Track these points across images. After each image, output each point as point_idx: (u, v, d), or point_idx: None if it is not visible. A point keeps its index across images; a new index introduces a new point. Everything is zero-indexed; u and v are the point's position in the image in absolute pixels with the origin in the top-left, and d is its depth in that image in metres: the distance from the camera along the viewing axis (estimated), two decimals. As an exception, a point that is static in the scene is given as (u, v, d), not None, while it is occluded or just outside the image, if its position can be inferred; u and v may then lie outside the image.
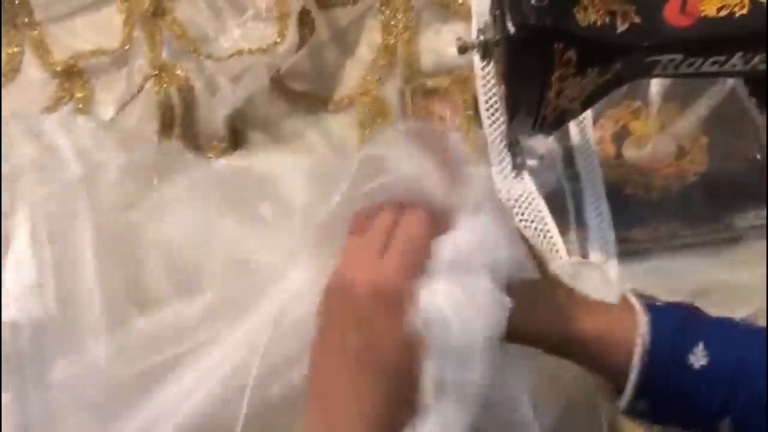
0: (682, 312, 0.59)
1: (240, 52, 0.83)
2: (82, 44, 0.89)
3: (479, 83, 0.82)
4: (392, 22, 0.86)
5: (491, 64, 0.77)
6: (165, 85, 0.82)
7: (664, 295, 0.75)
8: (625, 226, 0.78)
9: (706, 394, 0.55)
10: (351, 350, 0.51)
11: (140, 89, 0.83)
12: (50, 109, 0.86)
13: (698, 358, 0.56)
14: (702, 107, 0.81)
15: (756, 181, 0.78)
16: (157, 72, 0.82)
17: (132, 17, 0.88)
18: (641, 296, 0.59)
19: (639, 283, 0.76)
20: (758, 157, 0.79)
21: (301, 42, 0.83)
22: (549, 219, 0.77)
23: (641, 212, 0.79)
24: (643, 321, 0.56)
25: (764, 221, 0.77)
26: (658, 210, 0.79)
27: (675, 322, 0.57)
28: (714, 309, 0.74)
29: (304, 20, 0.83)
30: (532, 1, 0.64)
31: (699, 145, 0.81)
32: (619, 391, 0.57)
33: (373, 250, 0.51)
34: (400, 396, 0.50)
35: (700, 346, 0.56)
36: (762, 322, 0.72)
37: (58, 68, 0.87)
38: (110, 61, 0.88)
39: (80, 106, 0.86)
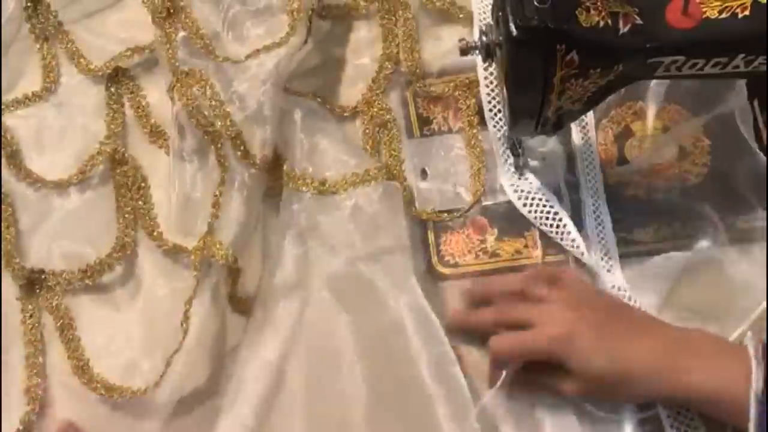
0: None
1: (256, 52, 0.81)
2: (115, 45, 0.87)
3: (482, 85, 0.82)
4: (392, 32, 0.85)
5: (493, 65, 0.77)
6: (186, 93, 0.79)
7: (666, 296, 0.75)
8: (627, 227, 0.78)
9: None
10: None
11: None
12: (109, 123, 0.84)
13: None
14: (704, 110, 0.81)
15: (757, 182, 0.78)
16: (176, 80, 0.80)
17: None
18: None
19: (641, 285, 0.76)
20: (759, 158, 0.79)
21: (305, 41, 0.82)
22: (564, 214, 0.77)
23: (643, 213, 0.79)
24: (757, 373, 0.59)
25: (765, 222, 0.77)
26: (659, 211, 0.79)
27: None
28: (713, 310, 0.74)
29: (310, 20, 0.82)
30: (535, 3, 0.64)
31: (701, 146, 0.81)
32: None
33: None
34: None
35: None
36: (762, 323, 0.73)
37: (100, 74, 0.86)
38: (149, 56, 0.86)
39: (137, 112, 0.85)
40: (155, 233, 0.79)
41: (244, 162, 0.77)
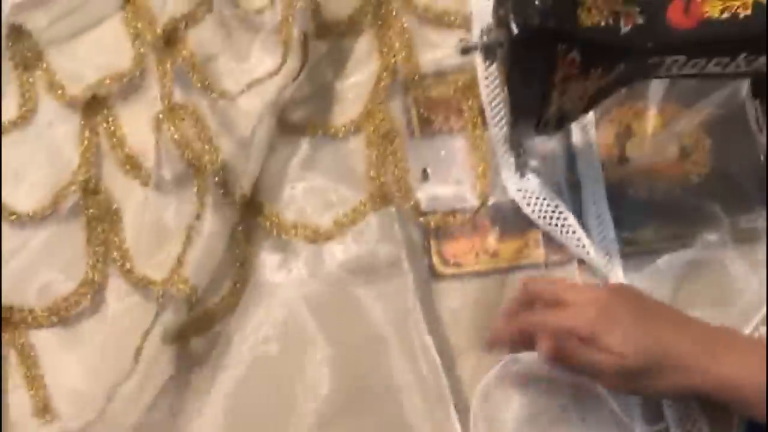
0: None
1: (249, 85, 0.81)
2: (93, 71, 0.85)
3: (482, 85, 0.81)
4: (388, 43, 0.84)
5: (494, 65, 0.77)
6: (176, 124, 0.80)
7: (668, 296, 0.75)
8: (628, 227, 0.78)
9: None
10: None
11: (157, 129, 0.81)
12: (83, 152, 0.82)
13: None
14: (705, 109, 0.81)
15: (758, 182, 0.78)
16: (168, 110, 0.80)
17: (140, 38, 0.86)
18: None
19: (642, 284, 0.76)
20: (761, 158, 0.79)
21: (301, 68, 0.81)
22: (568, 213, 0.77)
23: (644, 213, 0.79)
24: None
25: (765, 222, 0.77)
26: (660, 211, 0.79)
27: None
28: (715, 309, 0.74)
29: (305, 45, 0.81)
30: (536, 2, 0.64)
31: (702, 146, 0.81)
32: None
33: None
34: None
35: None
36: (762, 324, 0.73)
37: (77, 102, 0.84)
38: (127, 84, 0.85)
39: (112, 141, 0.83)
40: (126, 266, 0.79)
41: (225, 200, 0.76)
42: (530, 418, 0.72)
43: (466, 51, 0.73)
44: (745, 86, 0.80)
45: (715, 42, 0.67)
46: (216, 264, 0.76)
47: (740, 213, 0.78)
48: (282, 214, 0.80)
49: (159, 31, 0.83)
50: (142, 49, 0.85)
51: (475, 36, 0.82)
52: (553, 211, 0.77)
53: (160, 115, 0.80)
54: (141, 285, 0.78)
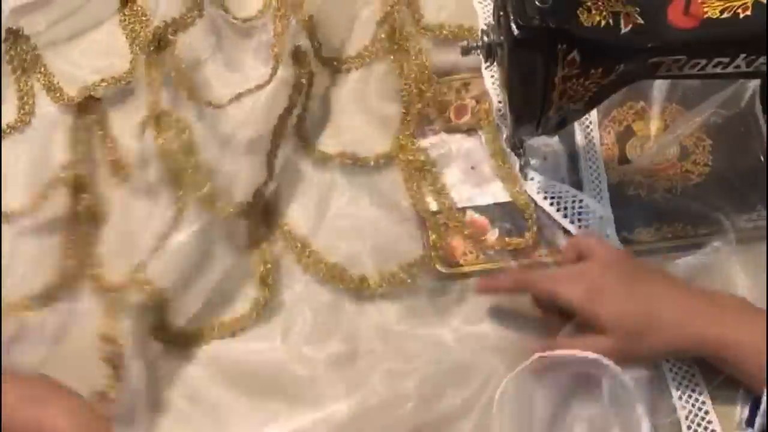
0: None
1: (238, 97, 0.81)
2: (90, 74, 0.86)
3: (489, 86, 0.81)
4: (406, 71, 0.84)
5: (495, 65, 0.77)
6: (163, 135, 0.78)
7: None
8: (629, 226, 0.78)
9: None
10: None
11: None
12: (73, 150, 0.82)
13: None
14: (706, 110, 0.81)
15: (758, 182, 0.78)
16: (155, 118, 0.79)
17: (137, 41, 0.86)
18: None
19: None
20: (761, 158, 0.79)
21: (296, 81, 0.80)
22: (584, 196, 0.78)
23: (645, 213, 0.79)
24: None
25: (765, 222, 0.77)
26: (661, 211, 0.79)
27: None
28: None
29: (299, 58, 0.81)
30: (536, 3, 0.64)
31: (702, 146, 0.81)
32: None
33: None
34: None
35: None
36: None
37: (73, 103, 0.84)
38: (123, 87, 0.85)
39: (105, 143, 0.83)
40: (96, 268, 0.77)
41: (206, 211, 0.76)
42: (552, 419, 0.71)
43: (466, 51, 0.73)
44: (749, 90, 0.80)
45: (715, 42, 0.67)
46: (189, 273, 0.75)
47: (740, 212, 0.78)
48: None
49: (149, 35, 0.83)
50: (138, 52, 0.85)
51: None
52: (573, 199, 0.78)
53: (143, 123, 0.79)
54: (112, 289, 0.75)
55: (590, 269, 0.71)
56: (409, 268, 0.77)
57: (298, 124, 0.82)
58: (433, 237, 0.78)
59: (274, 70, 0.80)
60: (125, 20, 0.88)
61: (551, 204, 0.78)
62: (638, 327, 0.68)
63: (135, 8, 0.88)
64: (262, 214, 0.79)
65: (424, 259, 0.77)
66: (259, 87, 0.80)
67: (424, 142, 0.83)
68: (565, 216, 0.78)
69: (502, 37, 0.68)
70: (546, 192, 0.79)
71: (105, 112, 0.84)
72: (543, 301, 0.73)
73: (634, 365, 0.69)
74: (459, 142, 0.83)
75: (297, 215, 0.80)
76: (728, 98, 0.80)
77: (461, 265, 0.78)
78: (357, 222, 0.80)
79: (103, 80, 0.85)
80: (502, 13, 0.66)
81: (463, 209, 0.80)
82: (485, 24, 0.73)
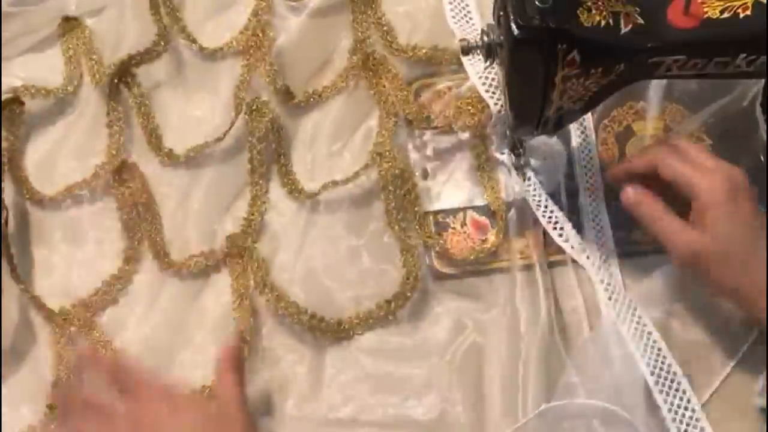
0: None
1: (200, 146, 0.81)
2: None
3: (479, 87, 0.81)
4: (383, 93, 0.83)
5: (495, 65, 0.77)
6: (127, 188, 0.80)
7: (664, 296, 0.76)
8: (626, 227, 0.78)
9: None
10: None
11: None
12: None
13: None
14: (706, 110, 0.81)
15: (758, 182, 0.78)
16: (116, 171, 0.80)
17: (76, 56, 0.85)
18: None
19: (639, 283, 0.76)
20: (761, 158, 0.79)
21: (251, 135, 0.81)
22: (561, 216, 0.78)
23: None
24: None
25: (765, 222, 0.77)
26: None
27: None
28: (714, 308, 0.74)
29: (256, 109, 0.81)
30: (536, 2, 0.64)
31: (701, 146, 0.81)
32: None
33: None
34: None
35: None
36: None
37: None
38: (53, 102, 0.84)
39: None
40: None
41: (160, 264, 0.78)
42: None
43: (466, 51, 0.73)
44: (751, 93, 0.80)
45: (715, 42, 0.67)
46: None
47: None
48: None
49: (112, 67, 0.83)
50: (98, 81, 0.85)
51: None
52: (548, 212, 0.78)
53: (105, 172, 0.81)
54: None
55: (734, 172, 0.69)
56: (387, 305, 0.76)
57: (279, 168, 0.82)
58: (427, 237, 0.78)
59: (232, 122, 0.81)
60: (68, 49, 0.86)
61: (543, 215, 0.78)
62: (738, 254, 0.67)
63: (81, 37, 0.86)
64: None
65: (404, 293, 0.76)
66: (218, 140, 0.81)
67: (418, 143, 0.82)
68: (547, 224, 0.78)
69: (502, 37, 0.68)
70: (539, 203, 0.79)
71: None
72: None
73: None
74: (455, 143, 0.83)
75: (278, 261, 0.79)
76: (728, 97, 0.81)
77: (461, 265, 0.78)
78: (332, 260, 0.79)
79: (32, 87, 0.83)
80: (502, 13, 0.66)
81: (464, 209, 0.80)
82: (485, 24, 0.73)
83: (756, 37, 0.66)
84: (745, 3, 0.66)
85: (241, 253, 0.77)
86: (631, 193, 0.71)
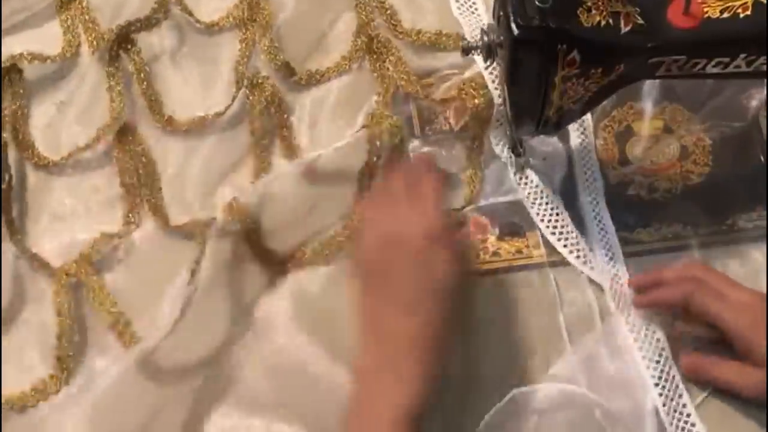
0: None
1: (200, 119, 0.81)
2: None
3: (489, 83, 0.81)
4: (386, 76, 0.83)
5: (495, 65, 0.78)
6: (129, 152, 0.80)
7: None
8: (629, 227, 0.78)
9: None
10: (411, 286, 0.62)
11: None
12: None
13: None
14: (706, 110, 0.81)
15: (758, 182, 0.78)
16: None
17: (74, 26, 0.85)
18: None
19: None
20: (761, 158, 0.79)
21: (252, 108, 0.81)
22: (565, 216, 0.78)
23: (644, 213, 0.79)
24: None
25: (765, 222, 0.77)
26: (661, 211, 0.79)
27: None
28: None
29: (257, 85, 0.81)
30: (536, 2, 0.64)
31: (702, 146, 0.81)
32: None
33: (399, 202, 0.66)
34: (454, 317, 0.63)
35: None
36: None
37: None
38: (52, 69, 0.84)
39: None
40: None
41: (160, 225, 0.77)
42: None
43: (467, 51, 0.73)
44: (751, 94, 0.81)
45: (715, 42, 0.67)
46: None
47: (740, 212, 0.78)
48: None
49: (111, 33, 0.83)
50: (96, 47, 0.84)
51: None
52: (548, 211, 0.78)
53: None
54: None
55: (757, 302, 0.70)
56: None
57: (283, 143, 0.82)
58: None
59: (233, 98, 0.81)
60: (67, 19, 0.86)
61: (537, 213, 0.78)
62: None
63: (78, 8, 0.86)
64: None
65: None
66: (219, 114, 0.81)
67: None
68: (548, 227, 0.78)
69: (502, 37, 0.68)
70: (533, 199, 0.79)
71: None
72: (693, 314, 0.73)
73: None
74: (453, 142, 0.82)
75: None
76: (729, 97, 0.81)
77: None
78: None
79: (30, 54, 0.83)
80: (502, 13, 0.66)
81: (463, 209, 0.80)
82: (484, 24, 0.73)
83: (756, 37, 0.66)
84: (745, 3, 0.66)
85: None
86: (687, 362, 0.72)
